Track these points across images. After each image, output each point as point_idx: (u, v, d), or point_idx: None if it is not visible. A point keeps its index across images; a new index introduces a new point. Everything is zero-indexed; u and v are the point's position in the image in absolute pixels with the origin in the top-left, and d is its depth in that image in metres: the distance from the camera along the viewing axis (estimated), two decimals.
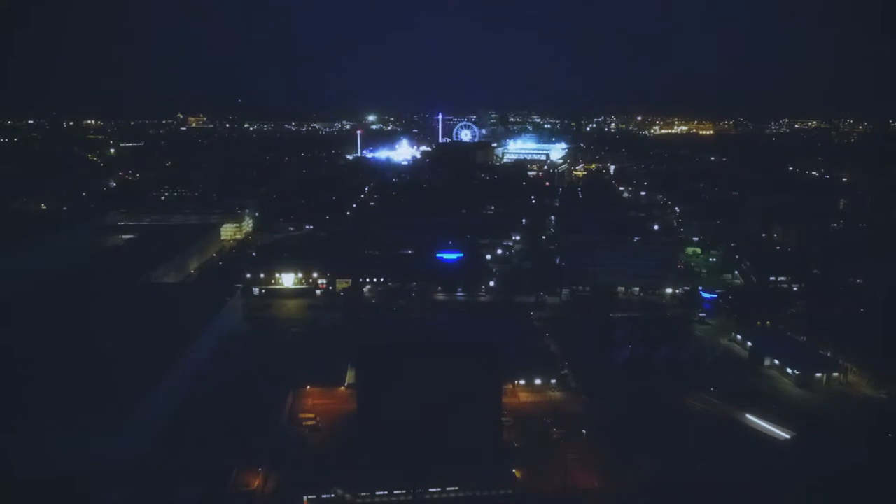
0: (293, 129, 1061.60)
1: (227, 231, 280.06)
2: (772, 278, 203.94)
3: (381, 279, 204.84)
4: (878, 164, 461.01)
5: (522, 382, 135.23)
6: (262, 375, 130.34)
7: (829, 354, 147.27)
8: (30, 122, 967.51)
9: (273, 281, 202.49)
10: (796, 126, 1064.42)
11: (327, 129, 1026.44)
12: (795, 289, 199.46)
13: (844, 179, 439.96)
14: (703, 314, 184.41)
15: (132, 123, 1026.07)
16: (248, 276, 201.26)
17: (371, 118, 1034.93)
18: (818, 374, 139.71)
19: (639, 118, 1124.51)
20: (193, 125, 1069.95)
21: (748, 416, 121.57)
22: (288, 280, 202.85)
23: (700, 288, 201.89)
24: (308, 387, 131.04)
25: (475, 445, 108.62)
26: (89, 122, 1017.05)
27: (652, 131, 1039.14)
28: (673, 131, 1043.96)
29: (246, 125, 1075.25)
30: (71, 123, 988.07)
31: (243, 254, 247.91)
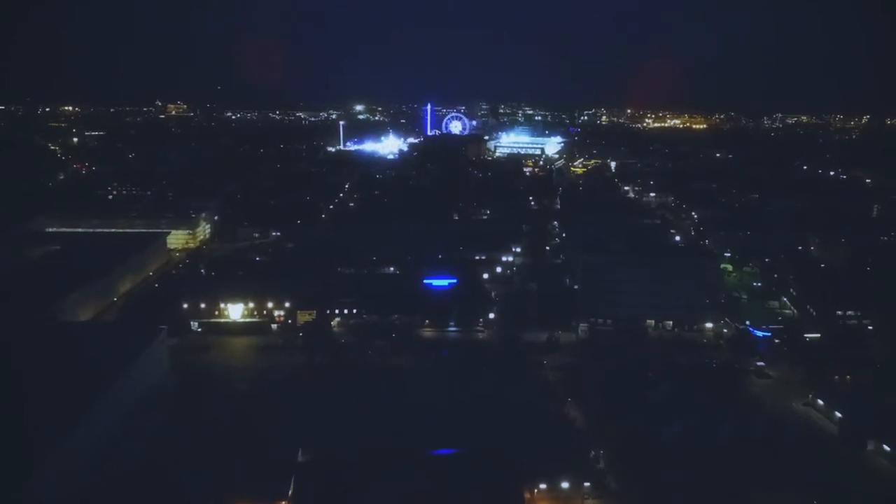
0: (277, 118, 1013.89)
1: (178, 239, 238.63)
2: (838, 312, 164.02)
3: (354, 310, 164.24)
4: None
5: (543, 487, 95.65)
6: (173, 487, 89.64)
7: None
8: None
9: (217, 313, 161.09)
10: (788, 121, 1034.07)
11: (312, 119, 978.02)
12: (870, 326, 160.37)
13: (868, 181, 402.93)
14: (760, 361, 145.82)
15: (112, 110, 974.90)
16: (185, 306, 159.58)
17: (358, 108, 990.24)
18: None
19: (629, 111, 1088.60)
20: (173, 113, 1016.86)
21: None
22: (236, 312, 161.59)
23: (748, 323, 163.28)
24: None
25: None
26: (67, 108, 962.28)
27: (644, 124, 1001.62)
28: (666, 125, 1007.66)
29: (228, 113, 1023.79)
30: (47, 110, 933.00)
31: (191, 270, 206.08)
